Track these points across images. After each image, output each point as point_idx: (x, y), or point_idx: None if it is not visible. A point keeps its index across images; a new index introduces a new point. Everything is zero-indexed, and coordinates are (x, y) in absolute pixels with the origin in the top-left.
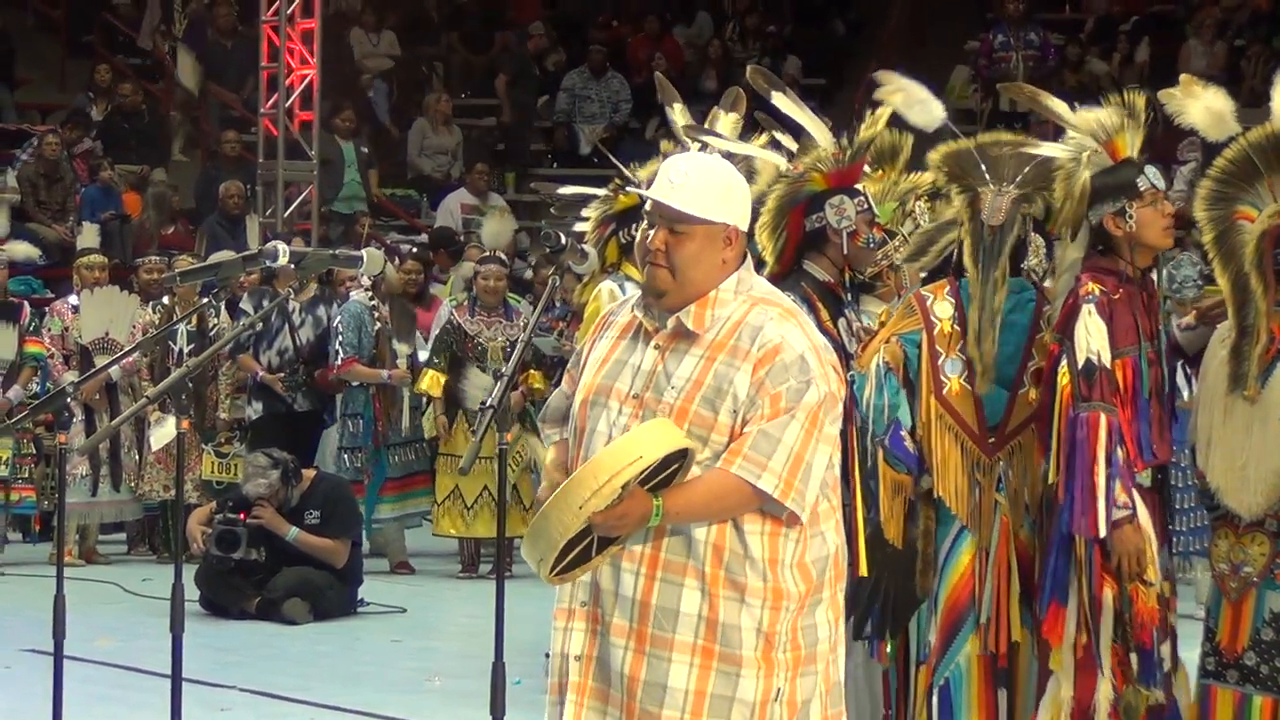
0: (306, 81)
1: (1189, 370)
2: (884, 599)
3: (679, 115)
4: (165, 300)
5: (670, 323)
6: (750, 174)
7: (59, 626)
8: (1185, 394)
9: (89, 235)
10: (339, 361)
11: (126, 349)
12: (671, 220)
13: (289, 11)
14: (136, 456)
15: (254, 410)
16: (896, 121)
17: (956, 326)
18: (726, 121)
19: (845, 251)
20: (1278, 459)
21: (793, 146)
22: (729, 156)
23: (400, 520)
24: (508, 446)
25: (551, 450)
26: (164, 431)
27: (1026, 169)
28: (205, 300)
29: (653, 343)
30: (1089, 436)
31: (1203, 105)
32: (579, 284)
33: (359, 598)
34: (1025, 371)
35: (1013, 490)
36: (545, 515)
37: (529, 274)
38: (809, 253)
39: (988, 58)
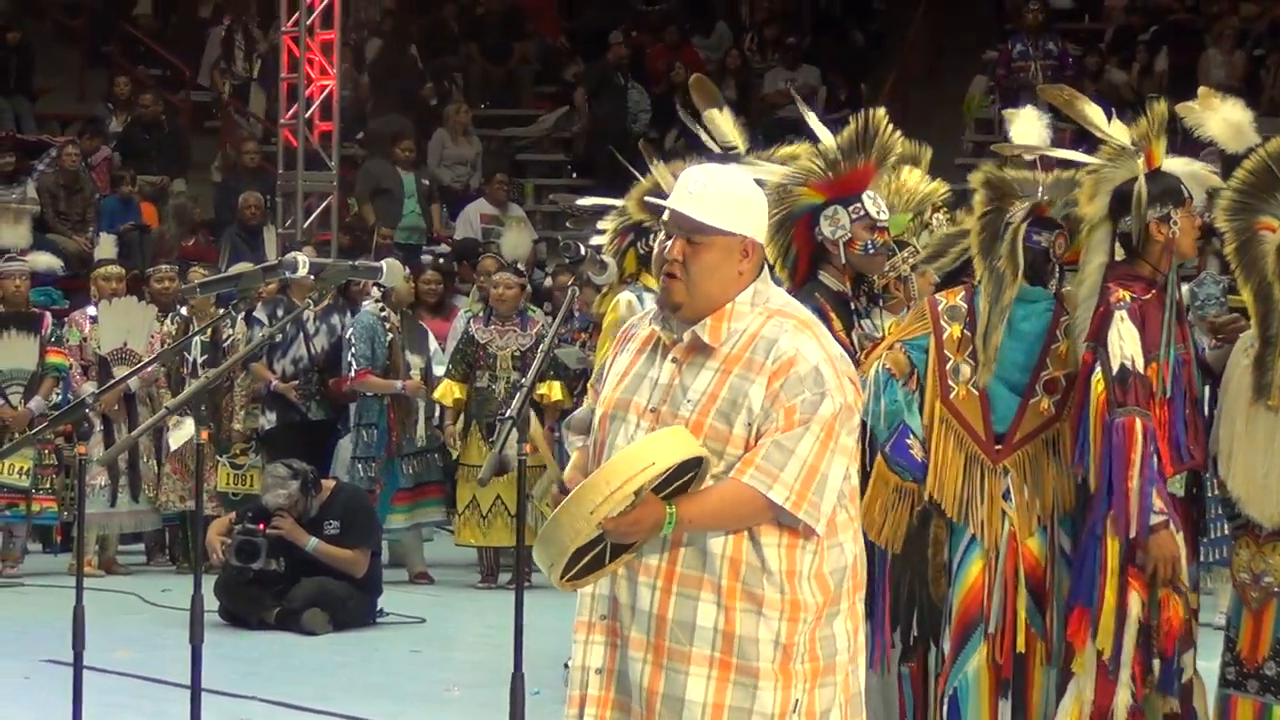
0: (326, 92)
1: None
2: (919, 607)
3: (721, 120)
4: (183, 311)
5: (687, 336)
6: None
7: (79, 637)
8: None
9: (106, 246)
10: (353, 373)
11: (145, 360)
12: (689, 231)
13: (309, 22)
14: (155, 467)
15: (267, 420)
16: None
17: (967, 332)
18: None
19: (844, 260)
20: None
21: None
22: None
23: (411, 530)
24: (527, 457)
25: (575, 455)
26: (181, 433)
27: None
28: (224, 311)
29: (670, 356)
30: (1125, 441)
31: (1221, 118)
32: (598, 295)
33: (378, 608)
34: (1038, 380)
35: (1021, 501)
36: (557, 520)
37: (548, 283)
38: (821, 264)
39: (1006, 68)
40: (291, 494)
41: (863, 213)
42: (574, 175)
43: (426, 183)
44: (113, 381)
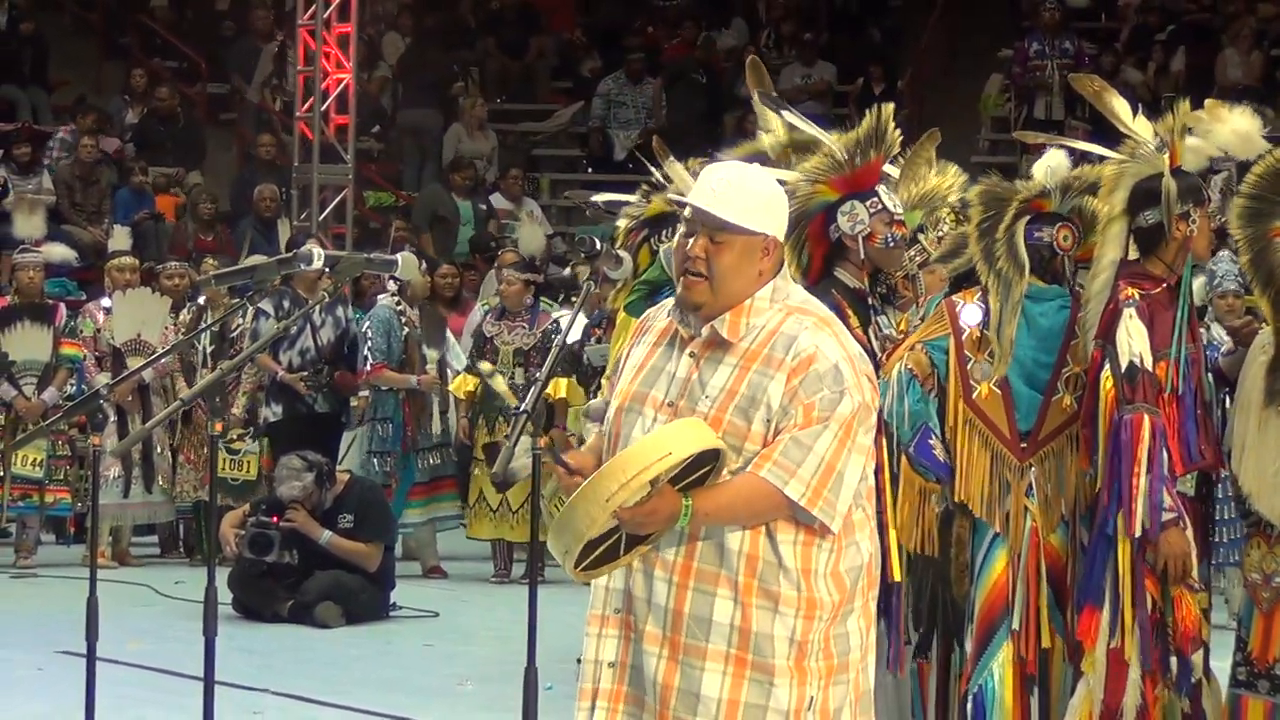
0: (342, 85)
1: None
2: (942, 607)
3: (792, 118)
4: (200, 301)
5: (705, 331)
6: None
7: (92, 629)
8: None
9: (120, 237)
10: (368, 367)
11: (159, 351)
12: (712, 228)
13: (325, 15)
14: (169, 458)
15: (273, 412)
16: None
17: (986, 331)
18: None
19: (864, 255)
20: None
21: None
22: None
23: (427, 524)
24: (542, 451)
25: (591, 439)
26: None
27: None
28: (239, 301)
29: (688, 350)
30: (1133, 438)
31: (1230, 127)
32: (613, 290)
33: (391, 602)
34: (1059, 378)
35: (1044, 497)
36: (571, 507)
37: (566, 273)
38: (838, 261)
39: (1022, 66)
40: (306, 486)
41: (880, 206)
42: (589, 170)
43: (484, 207)
44: (127, 373)
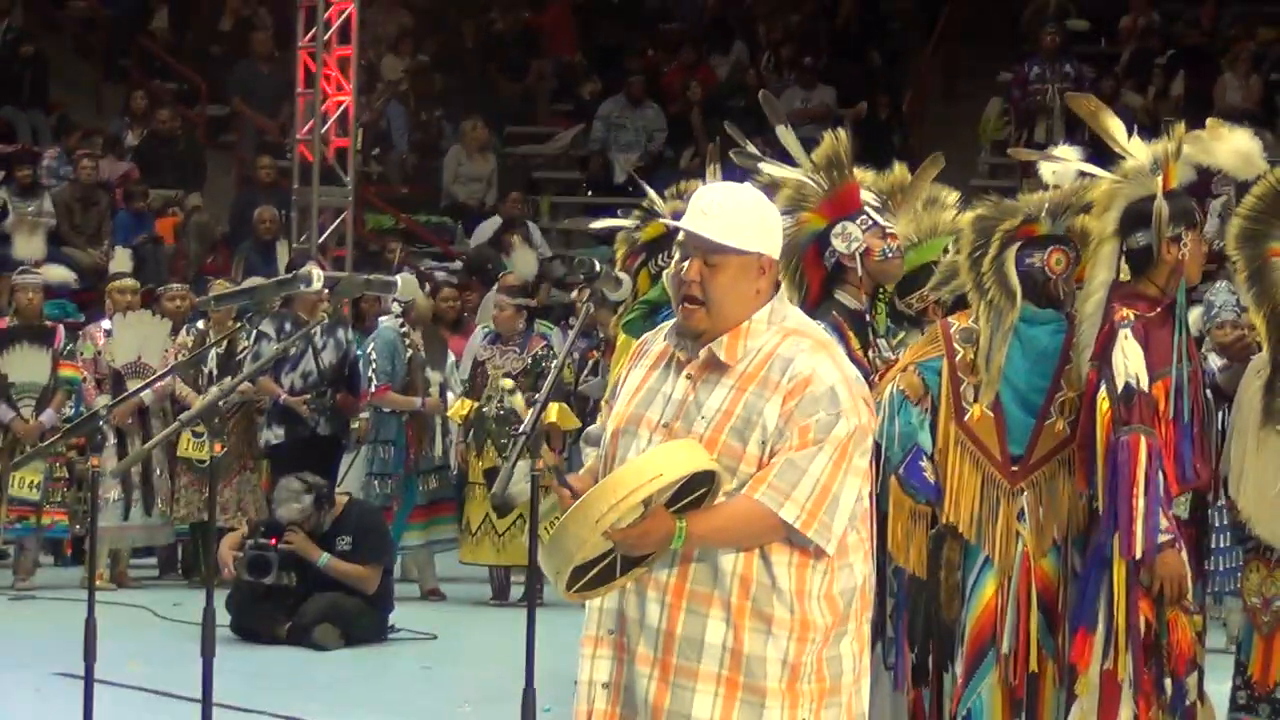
0: (342, 108)
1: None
2: (937, 630)
3: (787, 137)
4: (200, 324)
5: (702, 353)
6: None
7: (90, 650)
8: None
9: (121, 259)
10: (373, 389)
11: (159, 373)
12: (705, 251)
13: (325, 38)
14: (169, 480)
15: (274, 435)
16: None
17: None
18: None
19: (863, 273)
20: None
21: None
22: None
23: (426, 547)
24: (540, 474)
25: (589, 462)
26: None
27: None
28: (240, 324)
29: (684, 372)
30: (1129, 459)
31: (1230, 147)
32: (614, 314)
33: (390, 624)
34: (1053, 402)
35: (1036, 522)
36: (563, 528)
37: (571, 296)
38: (836, 284)
39: (1022, 89)
40: (305, 508)
41: (871, 222)
42: (589, 193)
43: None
44: (126, 394)
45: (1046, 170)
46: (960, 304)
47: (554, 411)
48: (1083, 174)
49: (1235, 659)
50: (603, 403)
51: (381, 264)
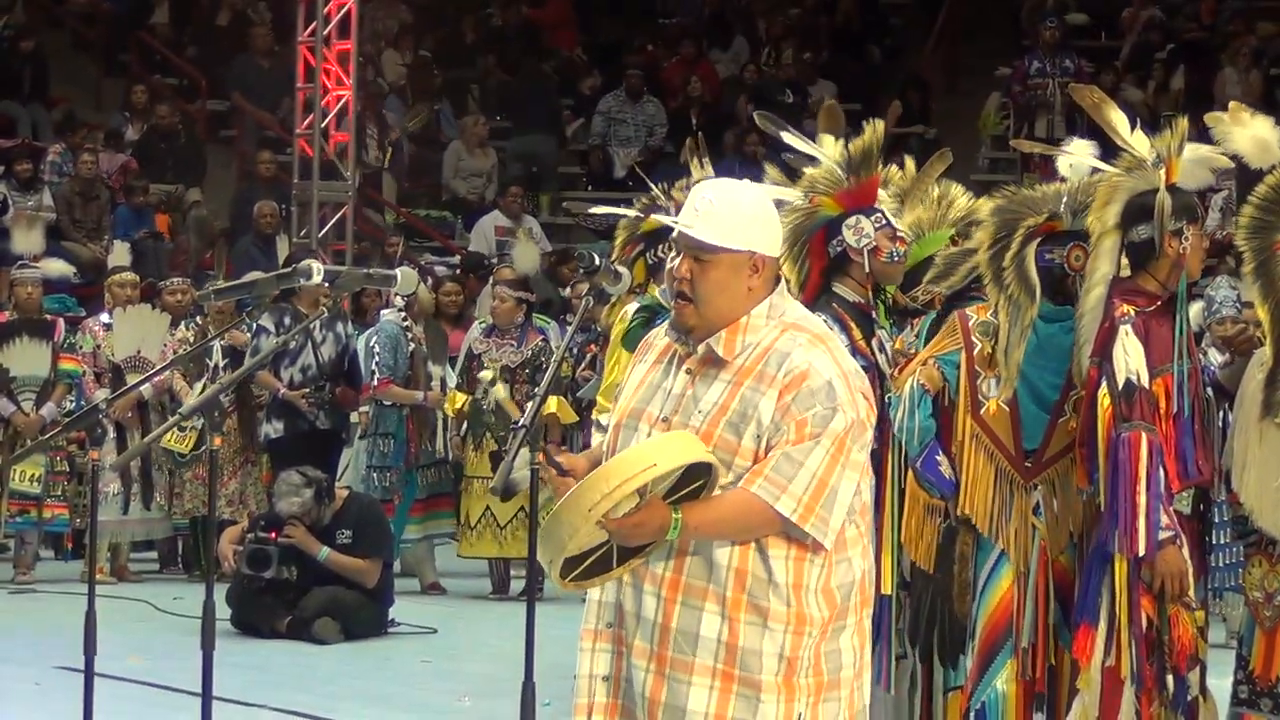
0: (342, 103)
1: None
2: (941, 624)
3: (792, 139)
4: (197, 320)
5: (701, 348)
6: None
7: (90, 644)
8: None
9: (120, 253)
10: (375, 382)
11: (158, 367)
12: (694, 249)
13: (325, 33)
14: (167, 475)
15: (274, 429)
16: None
17: (995, 349)
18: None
19: (869, 269)
20: None
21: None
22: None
23: (425, 541)
24: (540, 467)
25: (593, 444)
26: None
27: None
28: (239, 317)
29: (684, 367)
30: (1131, 456)
31: (1249, 133)
32: (607, 306)
33: (390, 618)
34: (1068, 399)
35: (1053, 516)
36: (556, 516)
37: (567, 292)
38: (836, 276)
39: (1022, 84)
40: (305, 502)
41: (885, 222)
42: (590, 188)
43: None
44: (126, 388)
45: (1063, 163)
46: (953, 302)
47: (553, 404)
48: (1096, 169)
49: (1236, 653)
50: (599, 399)
51: (381, 259)
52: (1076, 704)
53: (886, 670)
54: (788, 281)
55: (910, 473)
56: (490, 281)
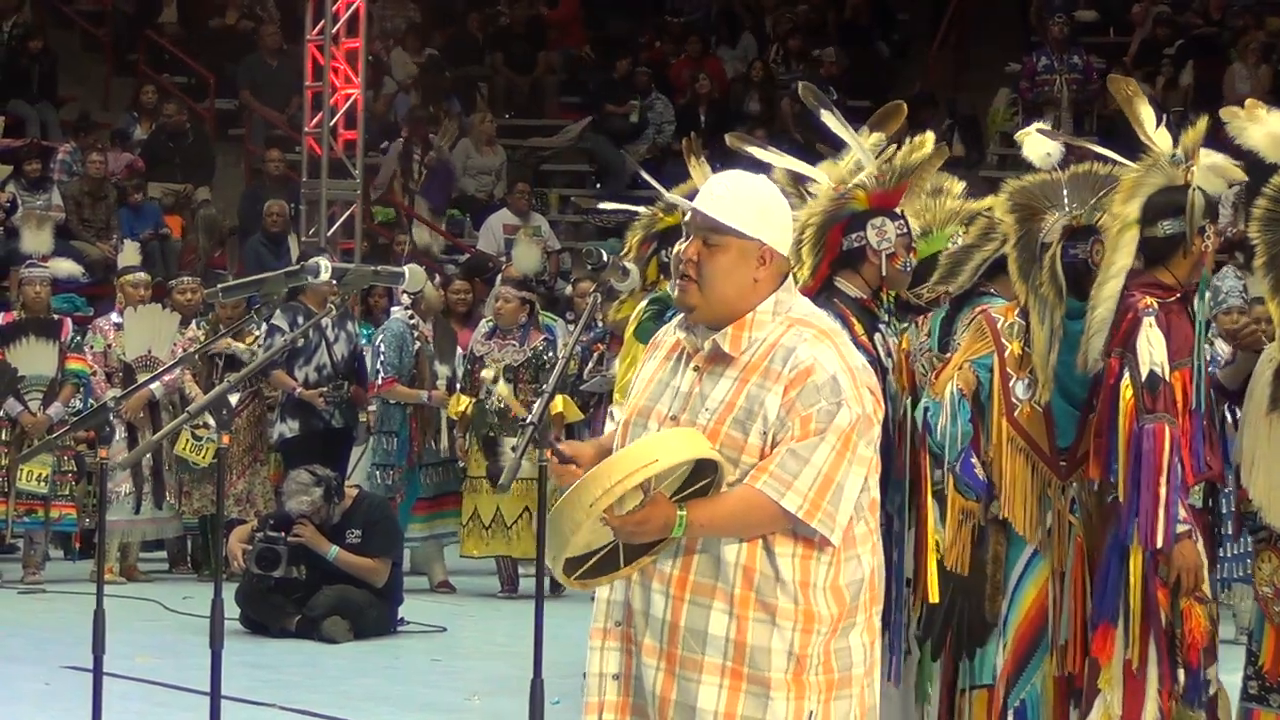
0: (351, 101)
1: (1233, 407)
2: (959, 622)
3: (831, 120)
4: (209, 317)
5: (707, 345)
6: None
7: (99, 643)
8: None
9: (130, 253)
10: (380, 380)
11: (168, 364)
12: (706, 230)
13: (334, 31)
14: (176, 475)
15: (289, 428)
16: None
17: (1027, 349)
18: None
19: (884, 273)
20: None
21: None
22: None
23: (430, 540)
24: (548, 463)
25: (605, 432)
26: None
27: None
28: (247, 316)
29: (692, 364)
30: (1155, 448)
31: (1266, 130)
32: (616, 302)
33: (399, 617)
34: (1096, 395)
35: (1088, 513)
36: (558, 512)
37: (569, 291)
38: (842, 270)
39: (1030, 80)
40: (314, 501)
41: (905, 229)
42: (597, 185)
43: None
44: (134, 386)
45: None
46: (962, 302)
47: (559, 403)
48: (1105, 159)
49: (1246, 649)
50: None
51: (390, 257)
52: (1098, 704)
53: (895, 667)
54: (802, 265)
55: (950, 478)
56: (498, 281)
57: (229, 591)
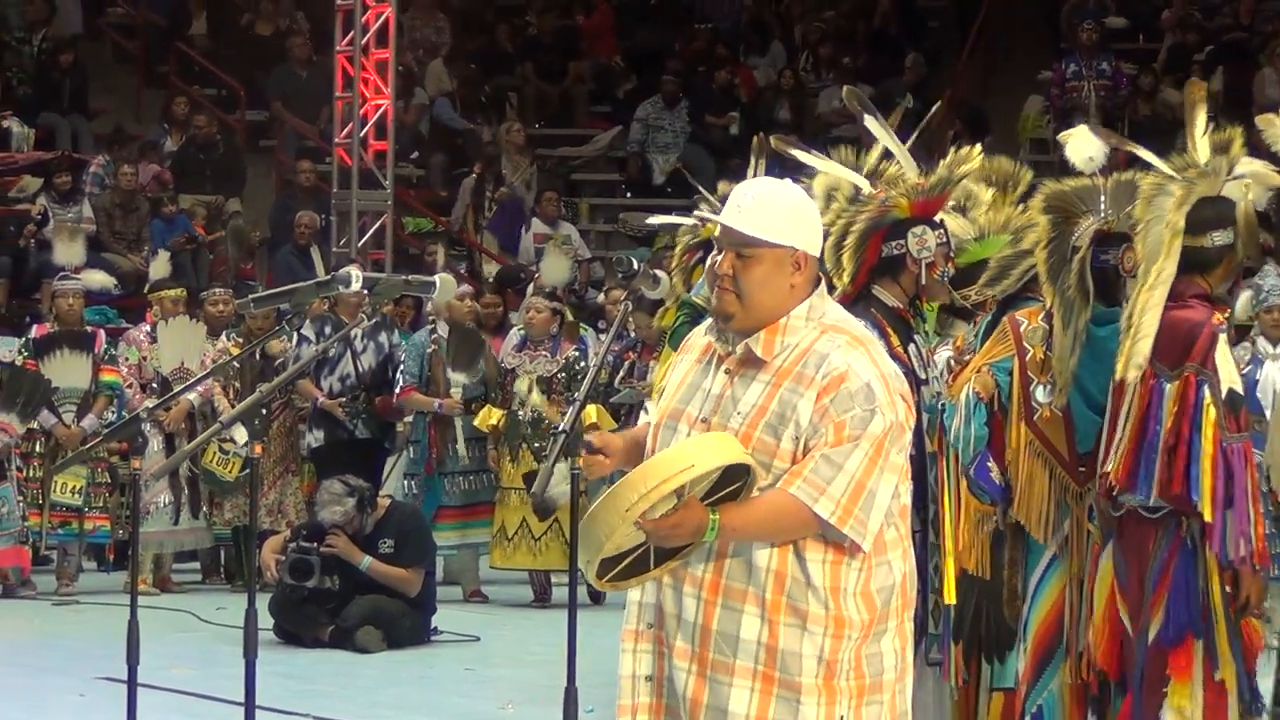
0: (381, 112)
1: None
2: (987, 626)
3: (874, 126)
4: (240, 328)
5: (740, 349)
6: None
7: (133, 654)
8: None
9: (161, 264)
10: (399, 389)
11: (202, 374)
12: (738, 244)
13: (364, 42)
14: (207, 486)
15: (315, 438)
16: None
17: (1048, 354)
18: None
19: (922, 282)
20: None
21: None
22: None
23: (464, 548)
24: (580, 472)
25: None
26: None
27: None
28: (280, 325)
29: (724, 367)
30: (1245, 466)
31: None
32: (655, 314)
33: (432, 626)
34: (1120, 403)
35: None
36: (592, 516)
37: (601, 299)
38: (881, 278)
39: (1060, 87)
40: (347, 511)
41: (945, 239)
42: (628, 194)
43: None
44: (167, 396)
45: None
46: (1007, 305)
47: (592, 412)
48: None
49: (1277, 653)
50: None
51: (421, 267)
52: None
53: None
54: (841, 272)
55: (964, 481)
56: (529, 291)
57: (262, 602)
